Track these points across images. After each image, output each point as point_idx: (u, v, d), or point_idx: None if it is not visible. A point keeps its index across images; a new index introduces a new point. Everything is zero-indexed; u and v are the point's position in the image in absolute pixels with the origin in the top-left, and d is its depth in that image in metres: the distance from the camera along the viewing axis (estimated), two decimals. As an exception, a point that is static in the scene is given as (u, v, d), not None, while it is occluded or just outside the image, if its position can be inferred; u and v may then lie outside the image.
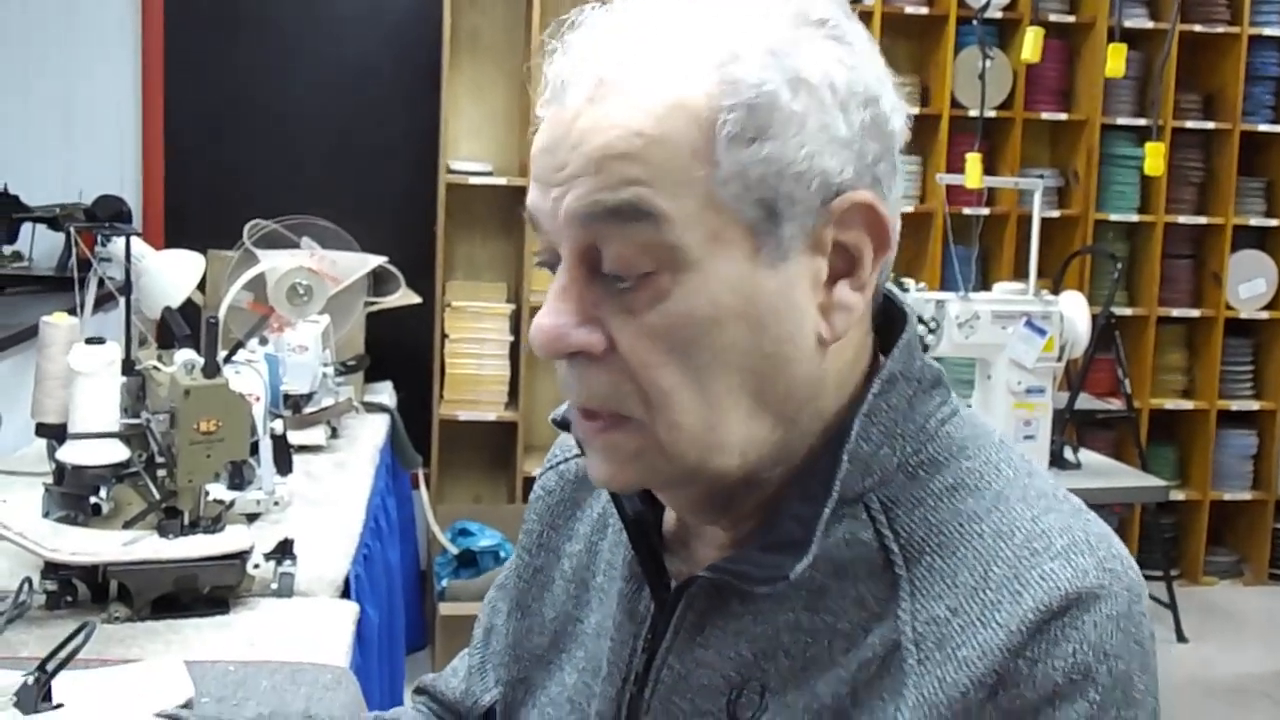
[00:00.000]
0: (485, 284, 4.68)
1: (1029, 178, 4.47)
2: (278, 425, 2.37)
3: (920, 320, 3.10)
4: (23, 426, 2.22)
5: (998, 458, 0.81)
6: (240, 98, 4.30)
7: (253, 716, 0.97)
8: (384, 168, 4.37)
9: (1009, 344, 3.27)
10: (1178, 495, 5.12)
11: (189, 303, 2.59)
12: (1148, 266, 5.17)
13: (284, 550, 1.96)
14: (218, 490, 2.01)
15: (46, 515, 2.01)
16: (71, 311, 2.30)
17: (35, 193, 3.59)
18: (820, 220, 0.76)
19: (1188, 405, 5.28)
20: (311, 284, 2.45)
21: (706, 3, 0.76)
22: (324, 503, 2.44)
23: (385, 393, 3.74)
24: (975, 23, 3.84)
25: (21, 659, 1.64)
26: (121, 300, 2.35)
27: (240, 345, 2.10)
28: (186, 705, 1.54)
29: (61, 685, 1.52)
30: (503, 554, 3.96)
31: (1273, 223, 5.28)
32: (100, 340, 1.85)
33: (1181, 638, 4.64)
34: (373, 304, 3.39)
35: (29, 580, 1.81)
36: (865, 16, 4.69)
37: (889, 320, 0.85)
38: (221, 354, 1.98)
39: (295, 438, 2.68)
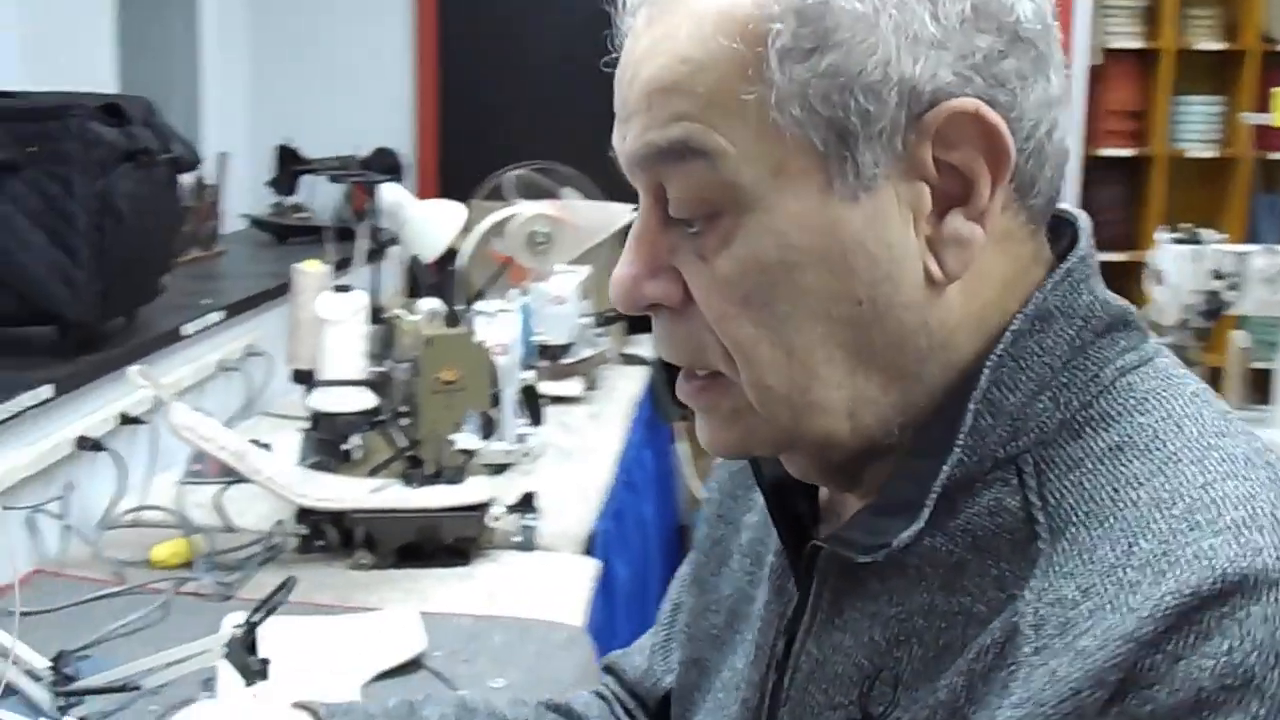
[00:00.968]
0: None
1: (1352, 117, 4.03)
2: (529, 376, 2.35)
3: (1217, 275, 2.82)
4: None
5: (1182, 413, 0.65)
6: (515, 50, 4.34)
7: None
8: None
9: (1323, 302, 2.96)
10: None
11: (451, 253, 2.61)
12: None
13: (526, 503, 1.93)
14: (465, 440, 2.00)
15: (303, 460, 2.05)
16: (344, 263, 2.34)
17: (317, 147, 3.72)
18: (912, 138, 0.63)
19: None
20: (551, 232, 2.41)
21: None
22: (576, 455, 2.41)
23: (646, 345, 3.71)
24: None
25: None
26: (387, 250, 2.39)
27: (480, 294, 2.08)
28: (418, 658, 1.53)
29: (296, 631, 1.54)
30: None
31: None
32: (347, 288, 1.86)
33: None
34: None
35: (281, 524, 1.84)
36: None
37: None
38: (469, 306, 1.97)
39: (551, 389, 2.66)
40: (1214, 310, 2.87)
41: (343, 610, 1.67)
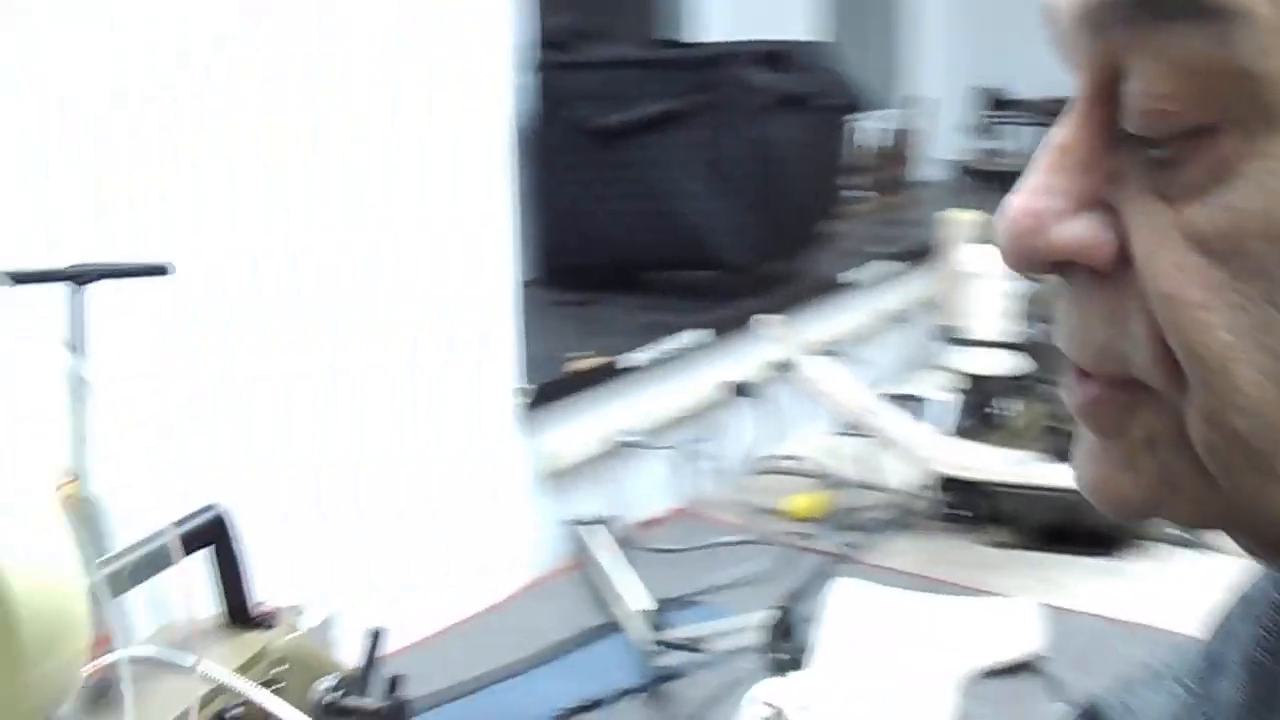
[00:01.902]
0: None
1: None
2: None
3: None
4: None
5: None
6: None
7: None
8: None
9: None
10: None
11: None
12: None
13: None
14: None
15: (958, 423, 1.93)
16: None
17: (1025, 88, 3.53)
18: None
19: None
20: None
21: None
22: None
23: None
24: None
25: (890, 570, 1.58)
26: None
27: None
28: (1030, 660, 1.36)
29: (903, 606, 1.43)
30: None
31: None
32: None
33: None
34: None
35: (920, 489, 1.74)
36: None
37: None
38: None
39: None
40: None
41: (959, 590, 1.54)
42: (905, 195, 3.15)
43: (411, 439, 1.46)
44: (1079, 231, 0.38)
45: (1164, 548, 1.65)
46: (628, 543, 1.70)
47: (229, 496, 0.70)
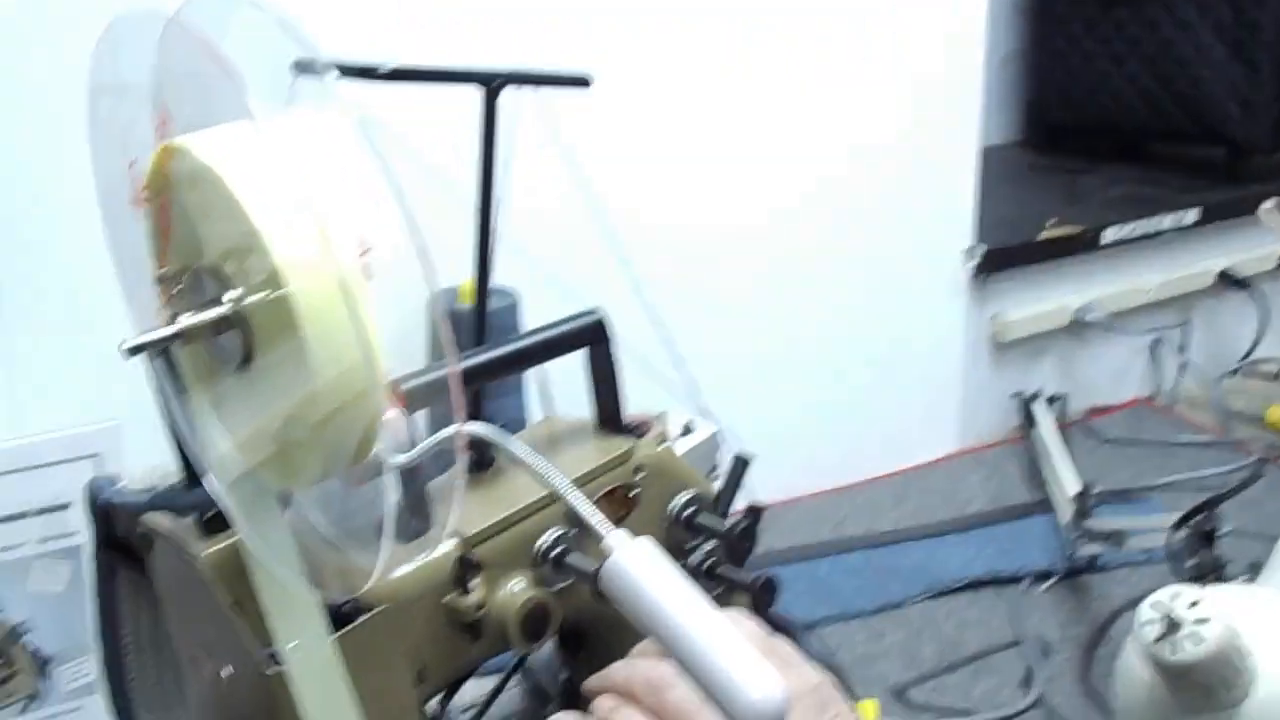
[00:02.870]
0: None
1: None
2: None
3: None
4: None
5: None
6: None
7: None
8: None
9: None
10: None
11: None
12: None
13: None
14: None
15: None
16: None
17: None
18: None
19: None
20: None
21: None
22: None
23: None
24: None
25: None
26: None
27: None
28: None
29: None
30: None
31: None
32: None
33: None
34: None
35: None
36: None
37: None
38: None
39: None
40: None
41: None
42: None
43: (854, 286, 1.44)
44: None
45: None
46: (1075, 426, 1.61)
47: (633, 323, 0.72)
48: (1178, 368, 1.73)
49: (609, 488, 0.71)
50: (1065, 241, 1.62)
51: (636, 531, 0.74)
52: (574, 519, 0.70)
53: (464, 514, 0.67)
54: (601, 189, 0.93)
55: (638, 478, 0.73)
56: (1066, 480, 1.38)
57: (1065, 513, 1.33)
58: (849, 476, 1.48)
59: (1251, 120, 1.75)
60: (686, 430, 0.87)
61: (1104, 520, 1.28)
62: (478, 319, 0.73)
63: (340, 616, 0.60)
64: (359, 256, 0.43)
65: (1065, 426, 1.58)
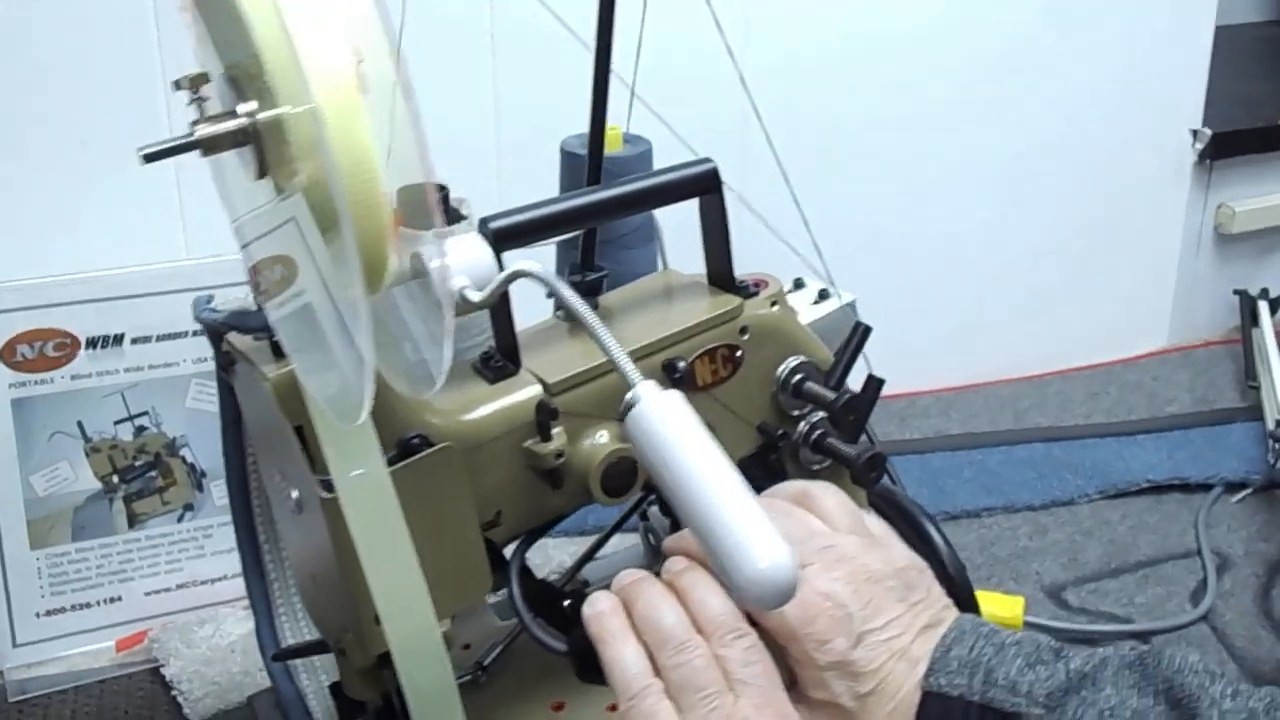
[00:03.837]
0: None
1: None
2: None
3: None
4: None
5: None
6: None
7: None
8: None
9: None
10: None
11: None
12: None
13: None
14: None
15: None
16: None
17: None
18: None
19: None
20: None
21: None
22: None
23: None
24: None
25: None
26: None
27: None
28: None
29: None
30: None
31: None
32: None
33: None
34: None
35: None
36: None
37: None
38: None
39: None
40: None
41: None
42: None
43: (1065, 164, 1.35)
44: None
45: None
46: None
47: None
48: None
49: (710, 346, 0.68)
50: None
51: (740, 394, 0.71)
52: (668, 369, 0.67)
53: (552, 361, 0.66)
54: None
55: (744, 338, 0.70)
56: (1281, 386, 1.28)
57: (1274, 421, 1.23)
58: (1041, 366, 1.40)
59: None
60: (823, 297, 0.83)
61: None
62: (592, 161, 0.71)
63: (408, 448, 0.60)
64: (355, 65, 0.41)
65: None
